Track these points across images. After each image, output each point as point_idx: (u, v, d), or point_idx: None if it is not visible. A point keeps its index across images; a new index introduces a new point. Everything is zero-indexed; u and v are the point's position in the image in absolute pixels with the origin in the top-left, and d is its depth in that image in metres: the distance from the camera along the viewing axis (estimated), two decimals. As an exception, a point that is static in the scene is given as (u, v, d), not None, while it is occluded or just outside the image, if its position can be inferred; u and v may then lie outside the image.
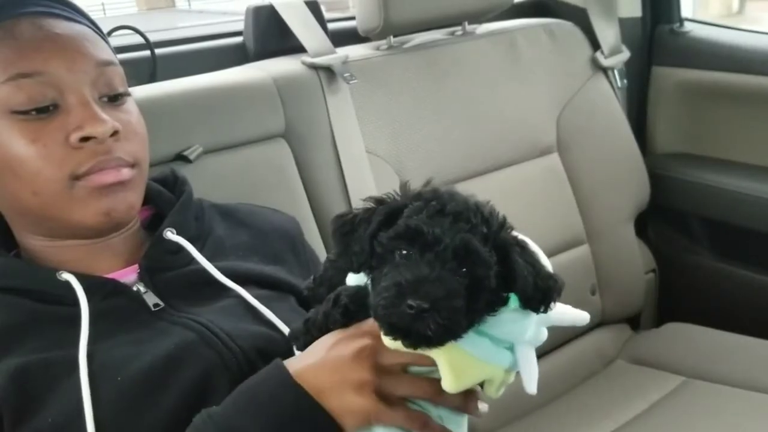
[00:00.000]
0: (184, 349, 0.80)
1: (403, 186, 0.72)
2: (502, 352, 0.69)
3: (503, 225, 0.68)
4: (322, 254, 1.15)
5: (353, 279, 0.74)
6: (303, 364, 0.72)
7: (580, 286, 1.63)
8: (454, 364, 0.67)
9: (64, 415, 0.74)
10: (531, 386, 0.70)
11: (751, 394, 1.41)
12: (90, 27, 0.88)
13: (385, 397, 0.70)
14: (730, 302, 1.73)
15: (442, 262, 0.63)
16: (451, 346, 0.66)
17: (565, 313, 0.74)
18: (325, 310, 0.72)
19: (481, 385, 0.71)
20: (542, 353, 1.53)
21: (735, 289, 1.73)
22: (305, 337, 0.75)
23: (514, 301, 0.68)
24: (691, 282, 1.82)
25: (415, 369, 0.71)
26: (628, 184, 1.72)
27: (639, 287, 1.74)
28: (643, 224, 1.82)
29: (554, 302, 0.68)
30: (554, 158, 1.64)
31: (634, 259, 1.73)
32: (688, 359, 1.55)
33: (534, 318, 0.69)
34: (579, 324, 0.75)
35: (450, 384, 0.67)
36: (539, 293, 0.67)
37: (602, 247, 1.67)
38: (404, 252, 0.65)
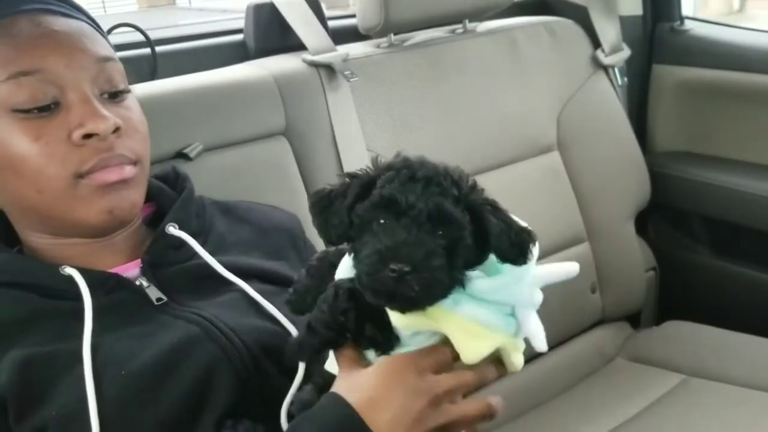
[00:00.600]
0: (188, 343, 0.80)
1: (374, 159, 0.73)
2: (506, 318, 0.70)
3: (474, 187, 0.70)
4: (323, 251, 1.15)
5: (341, 273, 0.74)
6: (383, 421, 0.68)
7: (580, 284, 1.62)
8: (465, 331, 0.68)
9: (68, 409, 0.74)
10: (540, 344, 0.71)
11: (751, 392, 1.41)
12: (88, 23, 0.88)
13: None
14: (730, 300, 1.73)
15: (418, 226, 0.65)
16: (454, 317, 0.68)
17: (555, 271, 0.75)
18: (329, 304, 0.71)
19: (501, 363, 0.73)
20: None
21: (735, 287, 1.73)
22: (310, 339, 0.73)
23: (496, 262, 0.69)
24: (691, 280, 1.82)
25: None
26: (628, 183, 1.72)
27: (639, 285, 1.74)
28: (644, 222, 1.82)
29: (531, 253, 0.69)
30: (554, 156, 1.64)
31: (635, 257, 1.73)
32: (687, 357, 1.55)
33: (526, 280, 0.70)
34: (572, 275, 0.76)
35: (467, 352, 0.68)
36: (515, 248, 0.68)
37: (602, 245, 1.67)
38: (381, 221, 0.67)
